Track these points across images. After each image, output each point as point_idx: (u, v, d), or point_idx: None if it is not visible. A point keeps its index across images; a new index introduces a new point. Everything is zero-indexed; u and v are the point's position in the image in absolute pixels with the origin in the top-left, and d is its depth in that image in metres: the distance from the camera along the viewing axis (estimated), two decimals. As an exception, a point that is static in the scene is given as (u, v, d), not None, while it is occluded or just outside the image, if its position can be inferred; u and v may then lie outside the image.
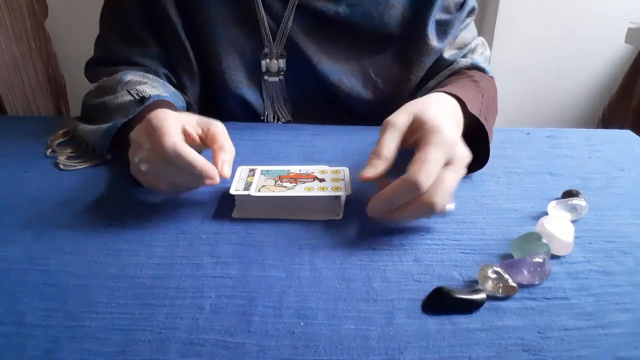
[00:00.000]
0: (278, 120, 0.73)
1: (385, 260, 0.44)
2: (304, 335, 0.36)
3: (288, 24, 0.67)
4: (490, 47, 0.83)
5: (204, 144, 0.50)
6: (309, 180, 0.51)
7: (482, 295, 0.39)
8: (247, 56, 0.69)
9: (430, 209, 0.43)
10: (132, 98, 0.57)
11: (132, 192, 0.54)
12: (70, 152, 0.62)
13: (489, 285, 0.40)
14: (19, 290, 0.40)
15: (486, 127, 0.55)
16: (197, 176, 0.45)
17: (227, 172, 0.47)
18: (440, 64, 0.70)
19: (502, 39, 1.49)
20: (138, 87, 0.59)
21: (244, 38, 0.68)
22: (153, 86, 0.61)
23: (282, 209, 0.49)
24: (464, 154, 0.46)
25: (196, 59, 0.68)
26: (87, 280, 0.41)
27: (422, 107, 0.49)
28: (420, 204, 0.43)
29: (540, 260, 0.41)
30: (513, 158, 0.63)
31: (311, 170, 0.53)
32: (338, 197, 0.50)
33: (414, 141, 0.47)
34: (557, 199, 0.52)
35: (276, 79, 0.70)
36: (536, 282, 0.41)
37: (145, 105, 0.55)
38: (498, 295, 0.40)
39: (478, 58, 0.71)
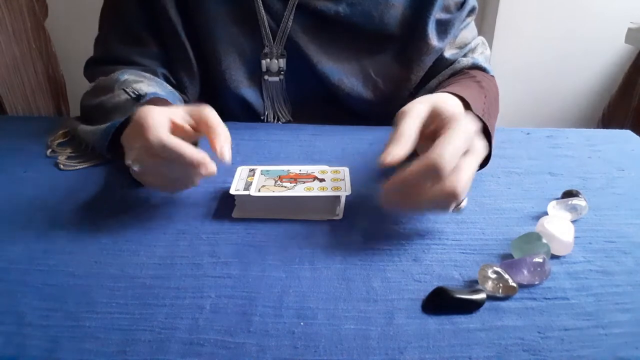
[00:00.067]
0: (278, 120, 0.73)
1: (385, 260, 0.44)
2: (304, 335, 0.36)
3: (288, 24, 0.67)
4: (490, 47, 0.83)
5: (198, 132, 0.48)
6: (309, 180, 0.51)
7: (482, 295, 0.39)
8: (247, 56, 0.69)
9: (450, 198, 0.41)
10: (128, 97, 0.57)
11: (132, 192, 0.54)
12: (70, 152, 0.62)
13: (489, 285, 0.40)
14: (19, 290, 0.40)
15: (489, 127, 0.55)
16: (190, 166, 0.44)
17: (227, 157, 0.45)
18: (441, 63, 0.70)
19: (502, 39, 1.49)
20: (134, 86, 0.59)
21: (244, 38, 0.68)
22: (149, 84, 0.61)
23: (282, 209, 0.49)
24: (482, 146, 0.45)
25: (196, 59, 0.68)
26: (87, 280, 0.41)
27: (438, 99, 0.48)
28: (439, 192, 0.41)
29: (540, 260, 0.41)
30: (513, 158, 0.63)
31: (311, 170, 0.53)
32: (338, 197, 0.50)
33: (431, 132, 0.45)
34: (557, 199, 0.52)
35: (276, 78, 0.70)
36: (536, 282, 0.41)
37: (141, 103, 0.55)
38: (498, 295, 0.40)
39: (479, 57, 0.71)
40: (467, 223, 0.49)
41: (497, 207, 0.52)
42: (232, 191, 0.49)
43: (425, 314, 0.38)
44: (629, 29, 1.38)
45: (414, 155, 0.44)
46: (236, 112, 0.72)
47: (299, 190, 0.49)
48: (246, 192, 0.49)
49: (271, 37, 0.68)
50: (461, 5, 0.70)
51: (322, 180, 0.51)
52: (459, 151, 0.42)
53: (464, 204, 0.45)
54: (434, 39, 0.67)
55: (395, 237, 0.47)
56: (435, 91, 0.61)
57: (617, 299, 0.40)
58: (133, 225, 0.48)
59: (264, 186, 0.50)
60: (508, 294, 0.40)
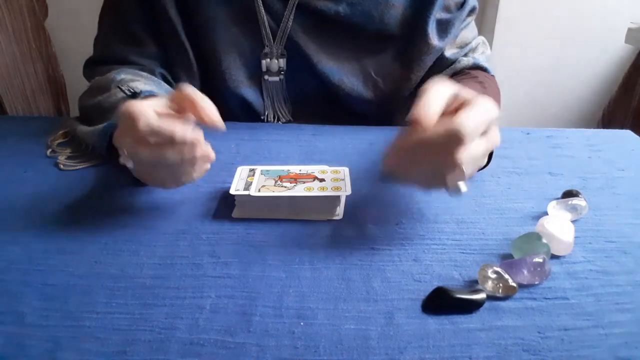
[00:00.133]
0: (278, 120, 0.73)
1: (385, 260, 0.44)
2: (304, 335, 0.36)
3: (288, 24, 0.67)
4: (490, 47, 0.83)
5: (183, 114, 0.46)
6: (309, 180, 0.51)
7: (482, 295, 0.39)
8: (247, 56, 0.69)
9: (450, 169, 0.40)
10: (124, 95, 0.57)
11: (132, 192, 0.54)
12: (70, 152, 0.62)
13: (489, 285, 0.40)
14: (19, 290, 0.40)
15: None
16: (183, 145, 0.43)
17: (219, 123, 0.44)
18: (442, 63, 0.70)
19: (502, 39, 1.49)
20: (130, 84, 0.59)
21: (244, 38, 0.68)
22: (146, 83, 0.61)
23: (282, 209, 0.49)
24: (497, 135, 0.44)
25: (196, 59, 0.68)
26: (87, 280, 0.41)
27: (456, 87, 0.45)
28: (445, 165, 0.40)
29: (540, 260, 0.41)
30: (513, 158, 0.63)
31: (311, 170, 0.53)
32: (338, 197, 0.50)
33: (452, 111, 0.42)
34: (557, 199, 0.52)
35: (276, 78, 0.70)
36: (536, 282, 0.41)
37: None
38: (498, 295, 0.40)
39: (480, 57, 0.71)
40: (467, 223, 0.49)
41: (497, 207, 0.52)
42: (232, 191, 0.49)
43: (425, 314, 0.38)
44: (629, 29, 1.38)
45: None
46: (236, 112, 0.72)
47: (299, 190, 0.49)
48: (246, 192, 0.49)
49: (271, 37, 0.68)
50: (461, 5, 0.70)
51: (322, 180, 0.51)
52: (481, 127, 0.41)
53: (463, 187, 0.44)
54: (434, 39, 0.67)
55: (395, 237, 0.47)
56: None
57: (617, 299, 0.40)
58: (133, 225, 0.48)
59: (264, 186, 0.50)
60: (508, 294, 0.40)
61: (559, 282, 0.41)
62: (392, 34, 0.68)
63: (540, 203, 0.52)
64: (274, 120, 0.73)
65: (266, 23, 0.67)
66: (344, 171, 0.53)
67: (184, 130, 0.43)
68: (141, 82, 0.61)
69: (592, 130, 0.73)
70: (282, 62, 0.69)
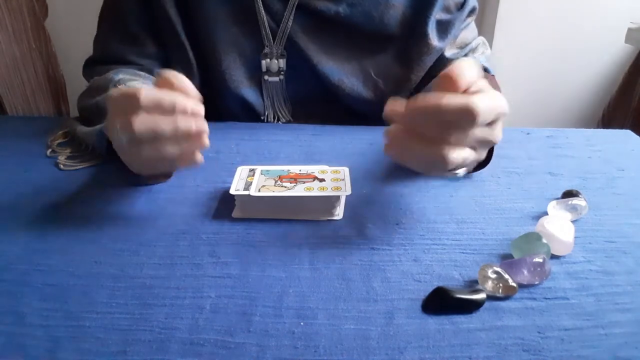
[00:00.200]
0: (278, 120, 0.73)
1: (385, 260, 0.44)
2: (304, 335, 0.36)
3: (288, 24, 0.67)
4: (490, 47, 0.83)
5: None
6: (309, 180, 0.51)
7: (482, 295, 0.39)
8: (247, 56, 0.69)
9: (454, 152, 0.40)
10: None
11: (132, 192, 0.54)
12: (70, 152, 0.62)
13: (489, 285, 0.40)
14: (19, 290, 0.40)
15: None
16: (184, 111, 0.43)
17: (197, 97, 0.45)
18: (442, 63, 0.70)
19: (502, 39, 1.49)
20: (128, 84, 0.59)
21: (244, 38, 0.68)
22: (144, 83, 0.61)
23: (282, 209, 0.49)
24: (501, 131, 0.43)
25: (196, 59, 0.68)
26: (87, 280, 0.41)
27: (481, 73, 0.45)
28: (445, 145, 0.39)
29: (540, 260, 0.41)
30: (513, 158, 0.63)
31: (311, 170, 0.53)
32: (338, 197, 0.50)
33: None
34: (557, 199, 0.52)
35: (276, 78, 0.70)
36: (536, 282, 0.41)
37: None
38: (498, 295, 0.40)
39: (480, 57, 0.71)
40: (467, 223, 0.49)
41: (497, 207, 0.52)
42: (232, 191, 0.49)
43: (425, 314, 0.38)
44: (629, 29, 1.38)
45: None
46: (236, 112, 0.72)
47: (299, 190, 0.49)
48: (246, 192, 0.49)
49: (271, 37, 0.68)
50: (461, 6, 0.70)
51: (322, 180, 0.51)
52: (492, 114, 0.40)
53: (461, 171, 0.43)
54: (434, 39, 0.67)
55: (395, 237, 0.47)
56: None
57: (617, 299, 0.40)
58: (133, 225, 0.48)
59: (264, 186, 0.50)
60: (508, 294, 0.40)
61: (559, 282, 0.41)
62: (392, 34, 0.68)
63: (540, 203, 0.52)
64: (274, 120, 0.73)
65: (266, 23, 0.67)
66: (344, 171, 0.53)
67: (185, 99, 0.43)
68: (139, 81, 0.61)
69: (592, 130, 0.73)
70: (282, 63, 0.69)
